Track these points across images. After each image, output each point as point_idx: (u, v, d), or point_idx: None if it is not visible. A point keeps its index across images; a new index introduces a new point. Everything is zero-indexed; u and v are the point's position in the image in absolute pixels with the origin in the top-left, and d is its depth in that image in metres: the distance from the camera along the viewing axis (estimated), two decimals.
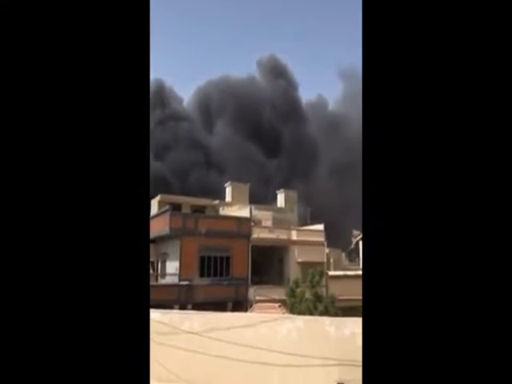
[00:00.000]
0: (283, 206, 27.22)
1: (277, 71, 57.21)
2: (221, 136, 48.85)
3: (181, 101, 57.87)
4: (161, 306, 8.58)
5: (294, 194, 28.40)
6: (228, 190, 27.67)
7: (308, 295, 16.94)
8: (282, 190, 28.34)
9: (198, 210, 24.19)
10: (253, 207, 22.48)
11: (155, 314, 5.39)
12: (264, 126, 50.10)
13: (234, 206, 24.40)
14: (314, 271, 18.25)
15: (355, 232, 31.89)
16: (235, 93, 50.68)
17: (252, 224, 21.35)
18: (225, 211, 24.85)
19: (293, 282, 17.98)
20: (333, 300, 16.88)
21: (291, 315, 10.93)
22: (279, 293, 19.00)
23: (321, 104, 60.42)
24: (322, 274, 18.73)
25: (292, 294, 17.26)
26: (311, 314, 14.90)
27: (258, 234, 21.14)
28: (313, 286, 17.19)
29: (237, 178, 30.58)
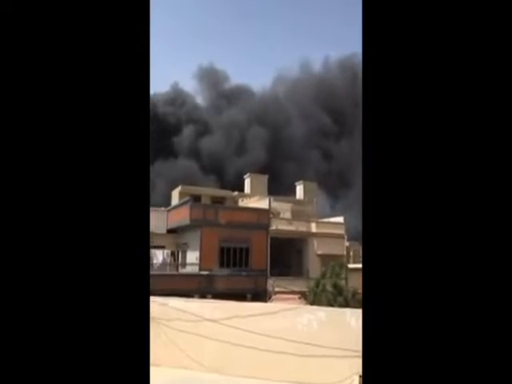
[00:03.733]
0: (302, 197, 27.04)
1: None
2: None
3: None
4: (181, 295, 8.69)
5: (313, 186, 28.14)
6: (247, 182, 27.67)
7: (329, 287, 16.86)
8: (301, 182, 28.09)
9: (217, 202, 24.32)
10: (272, 199, 22.43)
11: (176, 302, 5.44)
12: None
13: (253, 198, 24.39)
14: (336, 263, 18.13)
15: None
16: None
17: (271, 216, 21.32)
18: (244, 203, 24.89)
19: (320, 274, 17.97)
20: (354, 293, 16.72)
21: (312, 306, 10.89)
22: (298, 285, 19.00)
23: None
24: (342, 266, 18.60)
25: (316, 285, 17.25)
26: (331, 305, 14.83)
27: (276, 225, 21.11)
28: (332, 278, 17.11)
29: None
